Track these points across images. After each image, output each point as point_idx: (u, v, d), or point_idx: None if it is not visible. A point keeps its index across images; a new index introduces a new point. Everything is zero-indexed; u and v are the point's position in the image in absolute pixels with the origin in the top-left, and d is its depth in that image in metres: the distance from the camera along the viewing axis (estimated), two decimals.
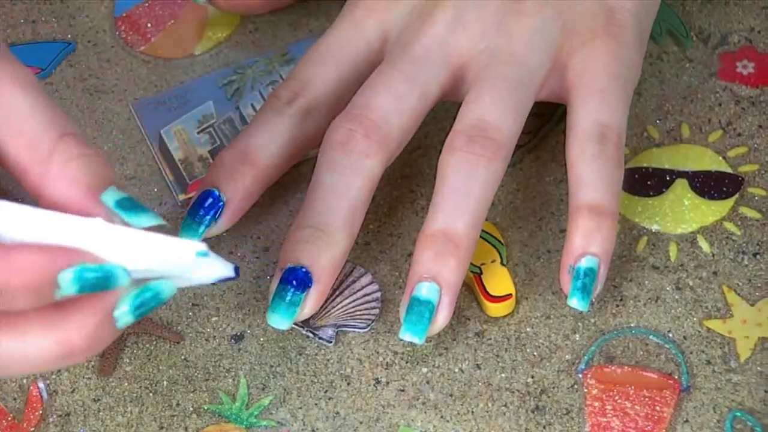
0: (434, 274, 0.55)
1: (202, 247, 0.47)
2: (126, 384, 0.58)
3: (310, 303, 0.56)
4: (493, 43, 0.58)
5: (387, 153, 0.57)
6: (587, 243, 0.56)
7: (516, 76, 0.58)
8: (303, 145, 0.60)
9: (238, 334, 0.59)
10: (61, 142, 0.48)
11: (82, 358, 0.47)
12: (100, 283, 0.46)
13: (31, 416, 0.58)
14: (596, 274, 0.56)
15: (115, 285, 0.47)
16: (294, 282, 0.55)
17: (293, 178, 0.62)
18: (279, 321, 0.56)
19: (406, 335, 0.56)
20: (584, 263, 0.56)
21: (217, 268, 0.48)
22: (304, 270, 0.55)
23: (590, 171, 0.57)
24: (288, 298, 0.56)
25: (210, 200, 0.57)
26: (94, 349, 0.47)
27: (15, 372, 0.48)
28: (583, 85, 0.58)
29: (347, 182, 0.56)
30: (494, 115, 0.57)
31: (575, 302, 0.56)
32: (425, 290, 0.55)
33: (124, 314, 0.47)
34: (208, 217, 0.58)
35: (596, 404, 0.56)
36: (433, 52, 0.58)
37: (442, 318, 0.56)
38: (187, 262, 0.47)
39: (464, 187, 0.56)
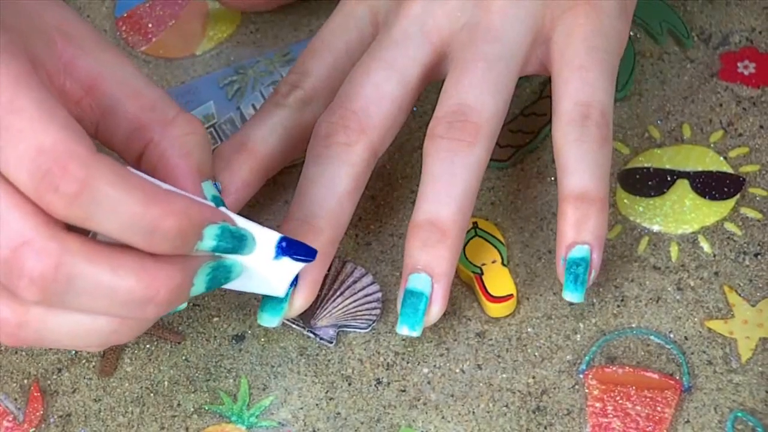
0: (424, 265, 0.55)
1: (279, 235, 0.52)
2: (127, 384, 0.58)
3: (298, 298, 0.56)
4: (472, 18, 0.58)
5: (369, 140, 0.57)
6: (577, 233, 0.56)
7: (495, 53, 0.57)
8: (302, 136, 0.60)
9: (239, 334, 0.59)
10: (185, 114, 0.53)
11: (158, 310, 0.49)
12: (234, 246, 0.50)
13: (32, 416, 0.58)
14: (588, 263, 0.56)
15: (244, 251, 0.51)
16: None
17: (293, 178, 0.62)
18: (268, 319, 0.56)
19: (402, 329, 0.56)
20: (575, 253, 0.56)
21: (282, 275, 0.53)
22: None
23: (574, 157, 0.56)
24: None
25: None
26: (167, 306, 0.49)
27: (96, 305, 0.49)
28: (563, 63, 0.58)
29: (331, 173, 0.57)
30: (472, 98, 0.56)
31: (569, 294, 0.56)
32: (417, 282, 0.55)
33: (199, 282, 0.50)
34: None
35: (597, 405, 0.56)
36: (412, 34, 0.58)
37: (436, 309, 0.56)
38: (269, 250, 0.51)
39: (446, 174, 0.56)
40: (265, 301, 0.56)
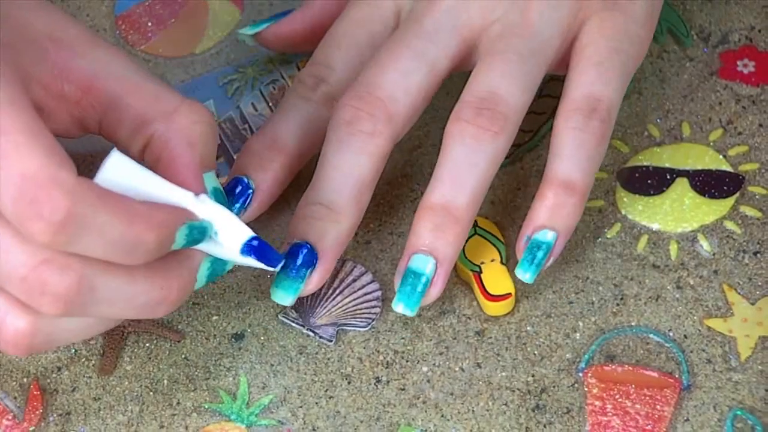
0: (431, 247, 0.56)
1: (251, 234, 0.52)
2: (126, 383, 0.58)
3: (314, 279, 0.56)
4: (506, 14, 0.58)
5: (393, 131, 0.57)
6: (549, 217, 0.56)
7: (528, 48, 0.58)
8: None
9: (239, 333, 0.59)
10: (190, 102, 0.53)
11: (168, 309, 0.51)
12: (197, 238, 0.51)
13: (32, 415, 0.58)
14: (550, 250, 0.56)
15: (203, 240, 0.51)
16: (299, 258, 0.56)
17: (294, 178, 0.62)
18: (282, 296, 0.56)
19: (398, 306, 0.56)
20: (541, 237, 0.56)
21: (260, 264, 0.53)
22: (309, 246, 0.56)
23: (570, 143, 0.57)
24: (293, 273, 0.56)
25: (239, 188, 0.58)
26: (177, 305, 0.52)
27: (113, 310, 0.50)
28: (583, 56, 0.58)
29: (354, 161, 0.57)
30: (504, 88, 0.57)
31: (521, 272, 0.57)
32: (421, 263, 0.56)
33: (201, 276, 0.52)
34: (237, 205, 0.58)
35: (597, 403, 0.56)
36: (444, 26, 0.58)
37: (436, 291, 0.56)
38: (236, 245, 0.52)
39: (468, 161, 0.56)
40: (279, 278, 0.56)
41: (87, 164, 0.50)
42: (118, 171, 0.49)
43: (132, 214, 0.48)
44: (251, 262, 0.52)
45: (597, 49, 0.58)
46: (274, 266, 0.53)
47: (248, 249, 0.52)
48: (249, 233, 0.52)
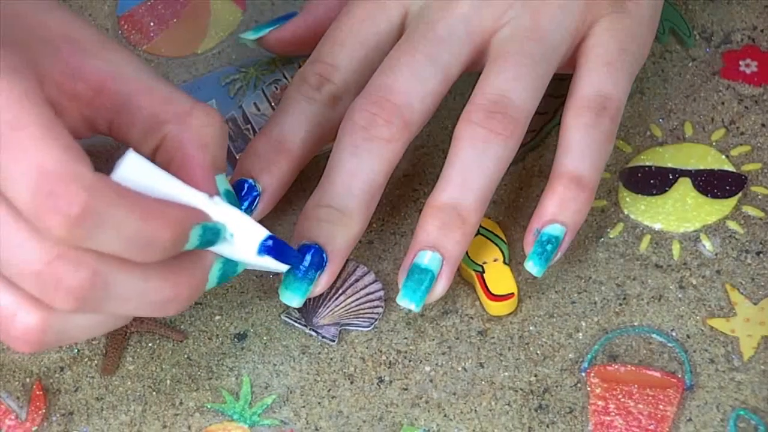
0: (438, 245, 0.56)
1: (267, 233, 0.52)
2: (129, 383, 0.58)
3: (322, 281, 0.56)
4: (518, 17, 0.58)
5: (408, 137, 0.57)
6: (559, 211, 0.56)
7: (539, 52, 0.58)
8: (331, 132, 0.59)
9: (241, 332, 0.59)
10: (202, 105, 0.53)
11: (180, 307, 0.51)
12: (211, 240, 0.51)
13: (35, 415, 0.58)
14: (560, 243, 0.56)
15: (218, 242, 0.51)
16: (309, 259, 0.56)
17: (295, 178, 0.62)
18: (291, 298, 0.56)
19: (403, 301, 0.56)
20: (551, 230, 0.56)
21: (275, 264, 0.53)
22: (319, 248, 0.56)
23: (581, 140, 0.57)
24: (302, 275, 0.56)
25: (245, 189, 0.58)
26: (188, 304, 0.51)
27: (125, 307, 0.50)
28: (593, 55, 0.59)
29: (368, 166, 0.57)
30: (516, 92, 0.57)
31: (531, 265, 0.57)
32: (427, 258, 0.56)
33: (212, 277, 0.52)
34: (244, 207, 0.58)
35: (599, 403, 0.56)
36: (457, 31, 0.58)
37: (441, 287, 0.56)
38: (252, 246, 0.52)
39: (478, 163, 0.56)
40: (288, 280, 0.56)
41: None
42: (134, 170, 0.49)
43: (148, 211, 0.48)
44: (267, 261, 0.52)
45: (607, 49, 0.58)
46: (292, 264, 0.53)
47: (265, 248, 0.52)
48: (265, 233, 0.52)
